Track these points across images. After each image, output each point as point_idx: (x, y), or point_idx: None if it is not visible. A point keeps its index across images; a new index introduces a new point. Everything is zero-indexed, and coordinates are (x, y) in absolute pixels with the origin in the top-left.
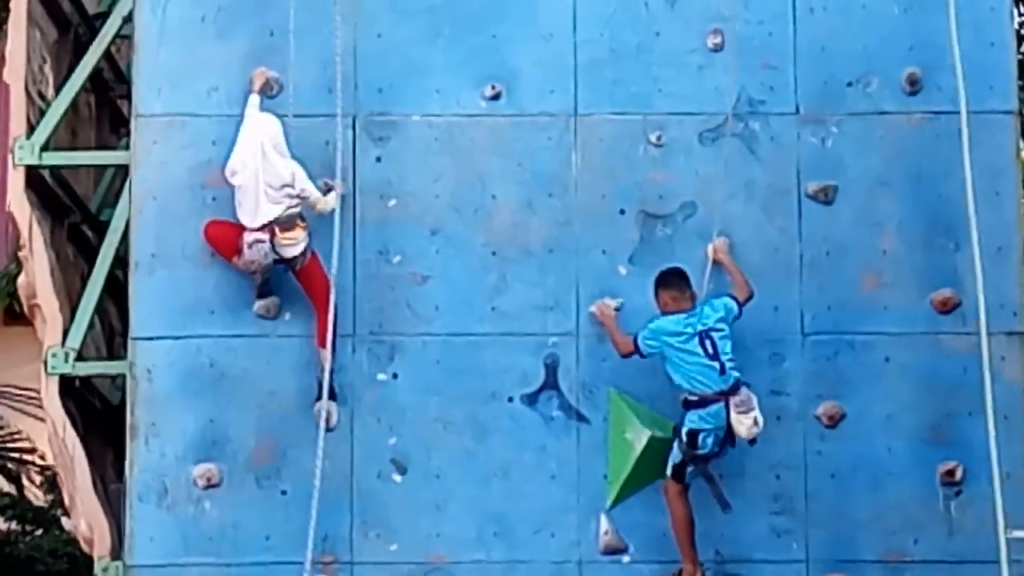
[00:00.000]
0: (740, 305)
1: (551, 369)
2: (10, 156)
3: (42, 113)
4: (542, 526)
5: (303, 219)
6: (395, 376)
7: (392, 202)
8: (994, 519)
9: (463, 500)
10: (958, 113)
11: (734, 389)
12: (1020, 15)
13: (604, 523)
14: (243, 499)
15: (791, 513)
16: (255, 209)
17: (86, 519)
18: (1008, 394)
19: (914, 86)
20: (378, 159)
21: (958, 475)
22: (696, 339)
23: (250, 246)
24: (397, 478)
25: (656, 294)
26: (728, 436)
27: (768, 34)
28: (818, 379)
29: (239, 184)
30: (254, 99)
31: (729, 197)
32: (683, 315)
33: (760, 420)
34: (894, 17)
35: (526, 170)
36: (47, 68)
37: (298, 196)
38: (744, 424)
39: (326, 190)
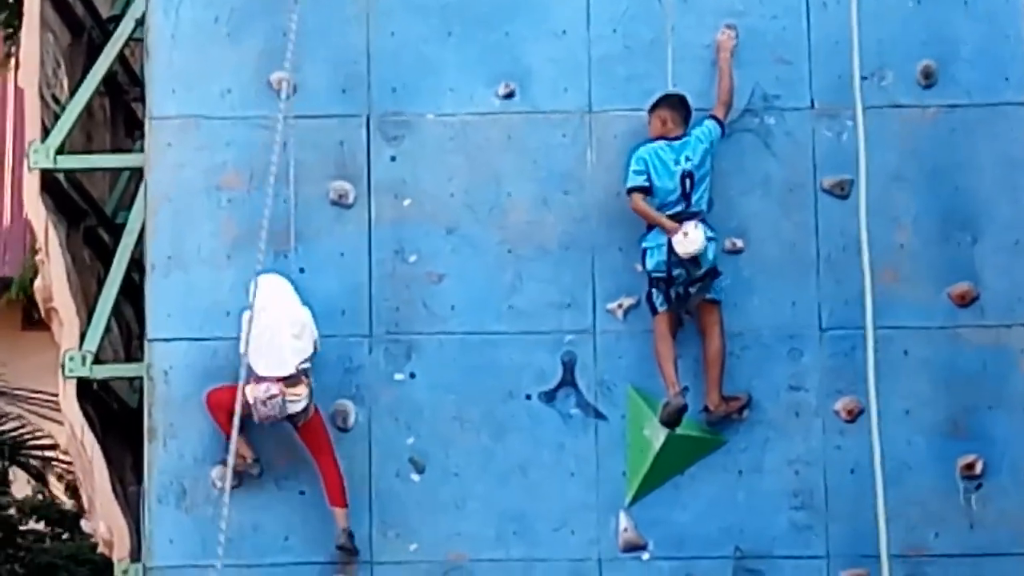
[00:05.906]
0: (722, 125)
1: (568, 367)
2: (25, 160)
3: (56, 117)
4: (561, 524)
5: (307, 375)
6: (412, 375)
7: (407, 201)
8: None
9: (481, 499)
10: (973, 106)
11: (685, 216)
12: None
13: (623, 520)
14: (262, 500)
15: (811, 508)
16: (279, 357)
17: (105, 521)
18: None
19: (929, 79)
20: (392, 158)
21: (978, 469)
22: (677, 177)
23: (264, 403)
24: (415, 477)
25: (649, 116)
26: (671, 254)
27: (782, 29)
28: (836, 374)
29: (259, 329)
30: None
31: (745, 193)
32: (671, 143)
33: (695, 237)
34: (908, 10)
35: (541, 168)
36: (61, 72)
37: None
38: (676, 238)
39: None
